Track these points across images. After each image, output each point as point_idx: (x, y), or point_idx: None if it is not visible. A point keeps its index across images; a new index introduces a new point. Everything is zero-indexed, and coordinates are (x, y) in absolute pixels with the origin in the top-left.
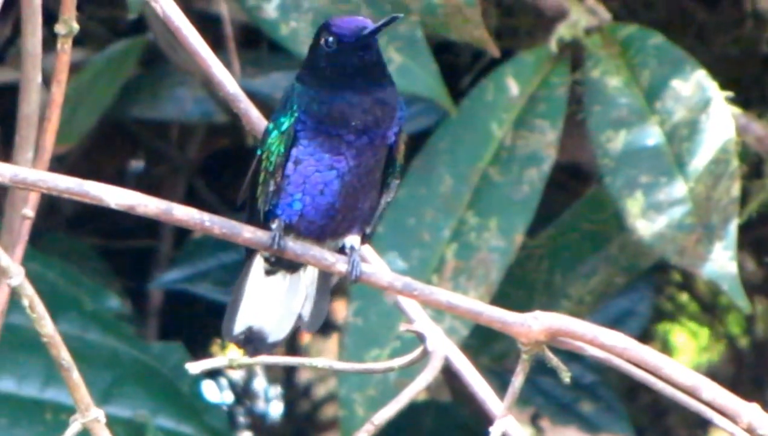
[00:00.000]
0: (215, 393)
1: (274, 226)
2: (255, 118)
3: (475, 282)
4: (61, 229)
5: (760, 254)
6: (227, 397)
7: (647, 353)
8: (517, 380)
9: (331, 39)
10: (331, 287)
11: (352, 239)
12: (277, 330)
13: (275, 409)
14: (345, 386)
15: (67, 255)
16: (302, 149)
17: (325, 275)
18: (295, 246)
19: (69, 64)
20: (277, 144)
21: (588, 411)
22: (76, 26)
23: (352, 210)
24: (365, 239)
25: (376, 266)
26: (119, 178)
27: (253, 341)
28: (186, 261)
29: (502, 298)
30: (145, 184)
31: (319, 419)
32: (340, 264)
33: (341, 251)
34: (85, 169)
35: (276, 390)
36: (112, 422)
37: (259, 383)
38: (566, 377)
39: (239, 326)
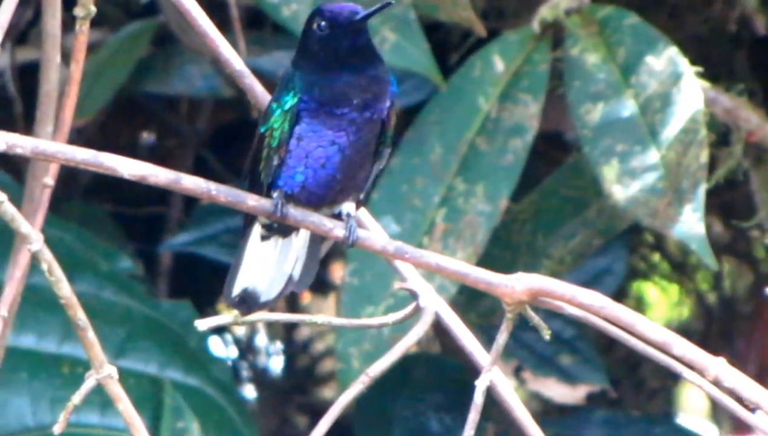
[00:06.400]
0: (221, 348)
1: (275, 195)
2: (259, 92)
3: (463, 243)
4: (78, 196)
5: (726, 216)
6: (232, 352)
7: (622, 312)
8: (502, 337)
9: (323, 23)
10: (325, 251)
11: (348, 206)
12: (269, 290)
13: (276, 364)
14: (342, 341)
15: (83, 221)
16: (305, 127)
17: (315, 239)
18: (295, 213)
19: (86, 44)
20: (280, 122)
21: (567, 364)
22: (93, 9)
23: (350, 180)
24: (359, 204)
25: (371, 230)
26: (132, 150)
27: (247, 302)
28: (194, 226)
29: (488, 258)
30: (157, 156)
31: (317, 373)
32: (338, 229)
33: (337, 216)
34: (101, 141)
35: (277, 346)
36: (125, 375)
37: (261, 340)
38: (546, 334)
39: (237, 289)
